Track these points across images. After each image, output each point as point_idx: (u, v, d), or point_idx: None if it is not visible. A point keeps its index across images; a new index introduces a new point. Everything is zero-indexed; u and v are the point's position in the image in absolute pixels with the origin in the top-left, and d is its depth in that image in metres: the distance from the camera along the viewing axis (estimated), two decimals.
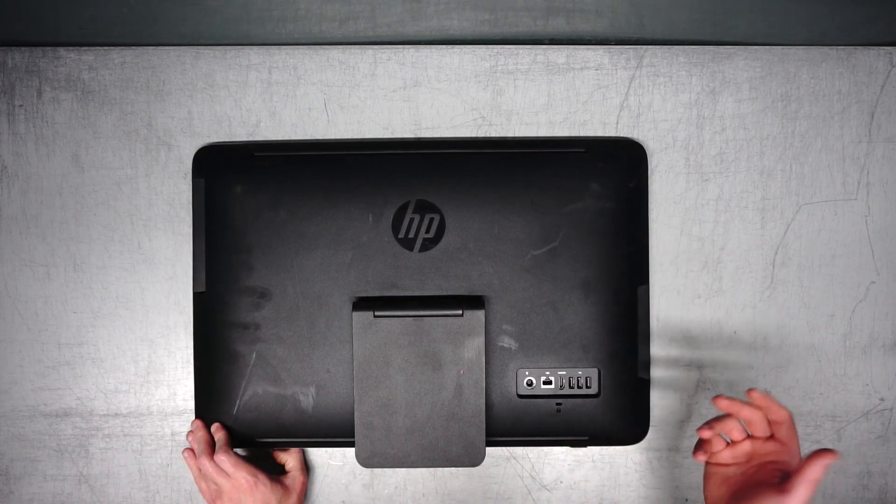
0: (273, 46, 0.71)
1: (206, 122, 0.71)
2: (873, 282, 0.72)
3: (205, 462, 0.65)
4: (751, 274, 0.72)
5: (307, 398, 0.68)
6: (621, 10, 0.66)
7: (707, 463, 0.60)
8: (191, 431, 0.68)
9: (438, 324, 0.65)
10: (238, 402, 0.68)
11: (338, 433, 0.68)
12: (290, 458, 0.70)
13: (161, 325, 0.71)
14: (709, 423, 0.58)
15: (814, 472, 0.52)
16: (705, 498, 0.60)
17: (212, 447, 0.67)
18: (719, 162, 0.71)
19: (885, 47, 0.72)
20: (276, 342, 0.68)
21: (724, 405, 0.58)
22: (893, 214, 0.72)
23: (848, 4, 0.64)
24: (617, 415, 0.69)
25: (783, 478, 0.55)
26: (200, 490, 0.67)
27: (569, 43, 0.71)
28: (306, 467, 0.71)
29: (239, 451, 0.71)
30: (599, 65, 0.71)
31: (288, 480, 0.68)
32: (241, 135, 0.71)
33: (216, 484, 0.65)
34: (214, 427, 0.67)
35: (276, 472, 0.69)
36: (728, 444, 0.59)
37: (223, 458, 0.65)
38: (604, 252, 0.68)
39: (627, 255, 0.68)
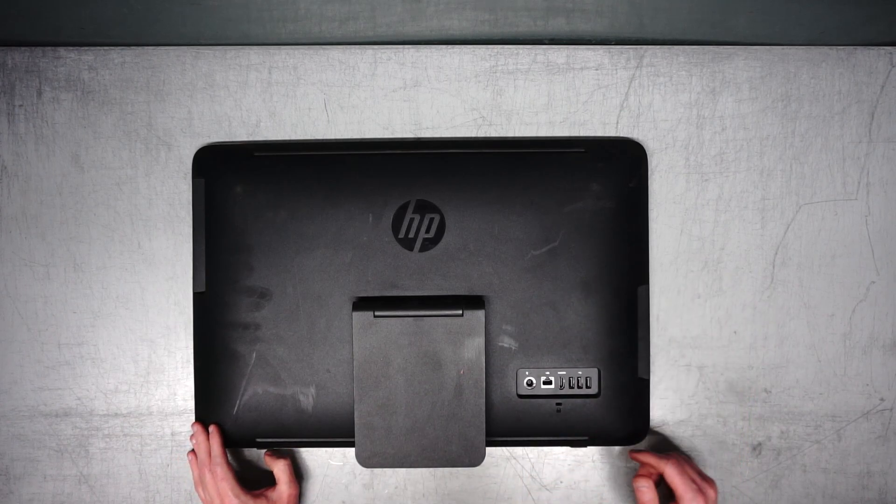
0: (273, 46, 0.71)
1: (206, 122, 0.71)
2: (873, 282, 0.72)
3: (205, 474, 0.66)
4: (751, 274, 0.72)
5: (307, 398, 0.68)
6: (621, 10, 0.66)
7: None
8: (192, 435, 0.68)
9: (438, 324, 0.65)
10: (238, 402, 0.68)
11: (338, 433, 0.68)
12: (277, 469, 0.68)
13: (161, 325, 0.71)
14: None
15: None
16: None
17: (211, 456, 0.67)
18: (719, 162, 0.71)
19: (885, 47, 0.72)
20: (276, 342, 0.68)
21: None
22: (893, 214, 0.72)
23: (848, 4, 0.64)
24: (617, 415, 0.69)
25: None
26: (200, 497, 0.67)
27: (569, 43, 0.71)
28: (298, 477, 0.71)
29: (232, 455, 0.71)
30: (599, 65, 0.71)
31: (274, 494, 0.67)
32: (241, 135, 0.71)
33: (210, 499, 0.66)
34: (211, 431, 0.67)
35: (271, 480, 0.69)
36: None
37: (215, 469, 0.66)
38: (604, 252, 0.68)
39: (627, 255, 0.68)
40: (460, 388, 0.65)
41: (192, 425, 0.68)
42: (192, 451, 0.69)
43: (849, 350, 0.72)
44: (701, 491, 0.63)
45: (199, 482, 0.67)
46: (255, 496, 0.66)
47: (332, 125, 0.71)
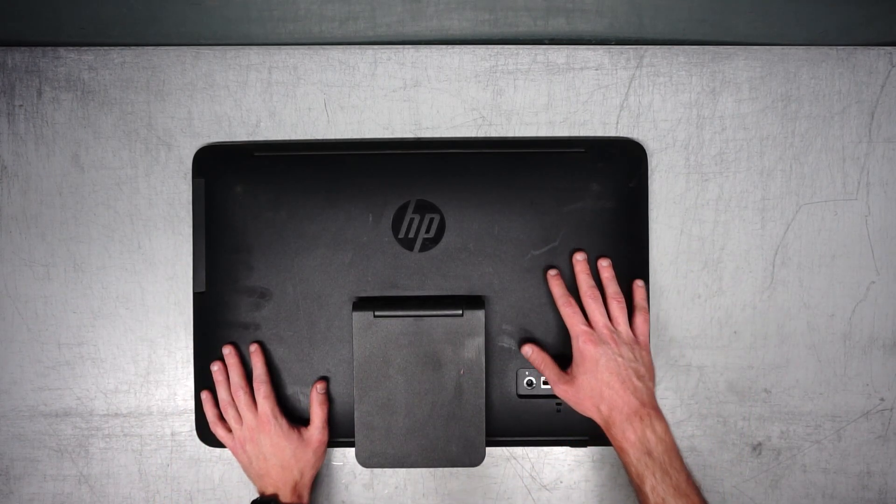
0: (273, 46, 0.71)
1: (206, 122, 0.71)
2: (873, 282, 0.72)
3: (241, 395, 0.66)
4: (751, 274, 0.72)
5: (307, 398, 0.68)
6: (621, 10, 0.66)
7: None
8: (216, 361, 0.67)
9: (438, 324, 0.65)
10: None
11: (338, 433, 0.68)
12: (314, 412, 0.67)
13: (161, 325, 0.71)
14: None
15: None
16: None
17: (247, 378, 0.67)
18: (719, 162, 0.71)
19: (885, 47, 0.72)
20: (276, 342, 0.68)
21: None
22: (893, 214, 0.72)
23: (848, 4, 0.64)
24: None
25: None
26: (226, 429, 0.67)
27: (569, 43, 0.71)
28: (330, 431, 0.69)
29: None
30: (599, 65, 0.71)
31: (306, 434, 0.66)
32: (241, 135, 0.71)
33: (244, 419, 0.66)
34: (253, 350, 0.67)
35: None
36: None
37: (260, 388, 0.66)
38: (604, 252, 0.68)
39: (627, 255, 0.68)
40: (460, 388, 0.65)
41: (224, 347, 0.68)
42: (221, 423, 0.68)
43: (849, 350, 0.72)
44: (592, 333, 0.63)
45: (228, 406, 0.67)
46: (290, 425, 0.66)
47: (332, 125, 0.71)
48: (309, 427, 0.67)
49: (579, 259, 0.67)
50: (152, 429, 0.72)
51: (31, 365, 0.71)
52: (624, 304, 0.65)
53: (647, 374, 0.63)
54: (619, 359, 0.62)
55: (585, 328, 0.64)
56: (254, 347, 0.67)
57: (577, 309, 0.65)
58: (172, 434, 0.72)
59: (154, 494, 0.72)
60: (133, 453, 0.72)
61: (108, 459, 0.72)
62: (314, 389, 0.67)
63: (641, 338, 0.65)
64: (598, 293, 0.66)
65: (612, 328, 0.64)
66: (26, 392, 0.71)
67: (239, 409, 0.66)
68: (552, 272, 0.67)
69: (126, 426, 0.72)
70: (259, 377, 0.66)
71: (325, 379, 0.68)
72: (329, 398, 0.68)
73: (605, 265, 0.67)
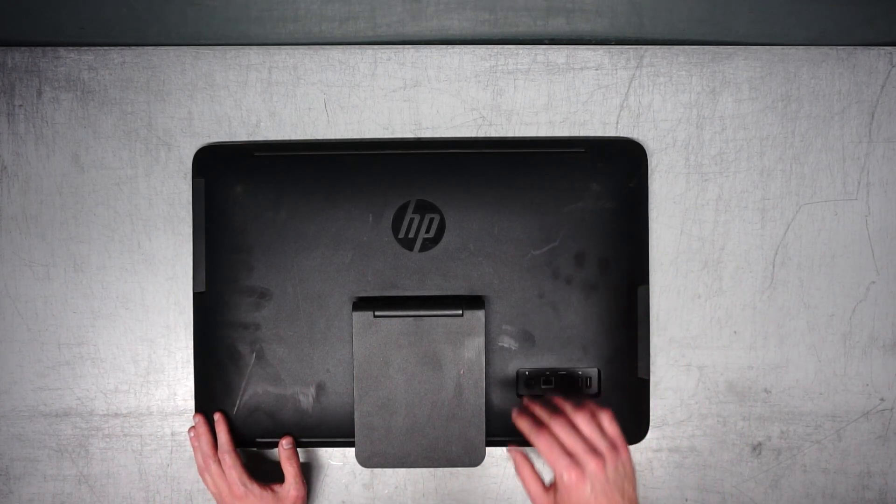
0: (273, 46, 0.71)
1: (206, 122, 0.71)
2: (873, 282, 0.72)
3: (211, 465, 0.66)
4: (751, 274, 0.72)
5: (307, 398, 0.68)
6: (621, 10, 0.66)
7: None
8: (192, 427, 0.68)
9: (438, 324, 0.65)
10: (238, 402, 0.68)
11: (338, 433, 0.68)
12: (286, 469, 0.67)
13: (161, 325, 0.71)
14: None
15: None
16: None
17: (215, 446, 0.67)
18: (719, 162, 0.71)
19: (885, 47, 0.72)
20: (276, 342, 0.68)
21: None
22: (893, 214, 0.72)
23: (848, 4, 0.64)
24: (617, 415, 0.68)
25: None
26: (207, 485, 0.68)
27: (569, 43, 0.71)
28: (306, 480, 0.70)
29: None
30: (599, 65, 0.71)
31: (282, 491, 0.67)
32: (241, 135, 0.71)
33: (217, 487, 0.66)
34: (217, 419, 0.68)
35: (280, 479, 0.69)
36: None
37: (224, 458, 0.66)
38: (604, 252, 0.68)
39: (627, 255, 0.68)
40: (460, 388, 0.65)
41: (194, 416, 0.68)
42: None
43: (849, 350, 0.72)
44: (575, 464, 0.58)
45: (205, 471, 0.67)
46: (262, 487, 0.66)
47: (332, 125, 0.71)
48: (283, 484, 0.67)
49: (525, 403, 0.64)
50: (152, 429, 0.72)
51: (31, 365, 0.71)
52: (589, 416, 0.60)
53: (631, 485, 0.59)
54: (607, 485, 0.58)
55: (567, 462, 0.58)
56: (217, 416, 0.68)
57: (550, 437, 0.60)
58: (172, 434, 0.72)
59: (154, 494, 0.72)
60: (133, 453, 0.72)
61: (108, 459, 0.72)
62: (280, 447, 0.68)
63: (617, 440, 0.60)
64: (561, 418, 0.60)
65: (588, 449, 0.59)
66: (26, 392, 0.71)
67: (212, 478, 0.67)
68: (515, 412, 0.64)
69: (126, 426, 0.72)
70: (223, 447, 0.67)
71: (290, 434, 0.68)
72: (296, 451, 0.68)
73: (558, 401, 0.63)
